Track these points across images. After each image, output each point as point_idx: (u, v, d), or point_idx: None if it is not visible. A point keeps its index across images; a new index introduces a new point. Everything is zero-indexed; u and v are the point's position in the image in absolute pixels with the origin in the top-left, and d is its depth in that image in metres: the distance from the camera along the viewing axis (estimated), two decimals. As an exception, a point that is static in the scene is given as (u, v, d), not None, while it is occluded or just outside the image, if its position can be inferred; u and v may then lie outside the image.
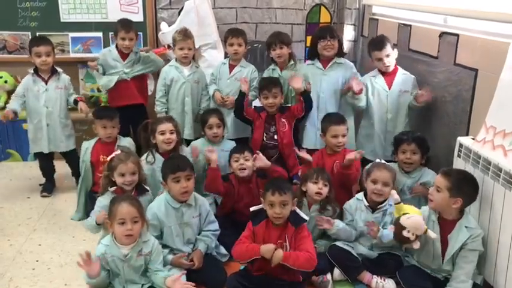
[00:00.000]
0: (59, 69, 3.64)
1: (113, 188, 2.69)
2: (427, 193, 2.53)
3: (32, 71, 3.56)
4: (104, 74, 3.78)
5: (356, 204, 2.75)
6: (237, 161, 2.96)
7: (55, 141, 3.59)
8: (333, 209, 2.75)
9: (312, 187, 2.72)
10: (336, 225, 2.64)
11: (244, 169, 2.94)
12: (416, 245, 2.40)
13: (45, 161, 3.72)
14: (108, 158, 2.74)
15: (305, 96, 3.35)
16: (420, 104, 3.17)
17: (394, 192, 2.57)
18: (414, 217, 2.39)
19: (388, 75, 3.34)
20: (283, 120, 3.39)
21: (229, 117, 3.59)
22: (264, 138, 3.40)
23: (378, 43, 3.32)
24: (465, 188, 2.36)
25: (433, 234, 2.37)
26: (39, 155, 3.70)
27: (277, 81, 3.43)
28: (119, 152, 2.75)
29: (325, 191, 2.72)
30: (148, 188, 2.79)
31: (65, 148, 3.63)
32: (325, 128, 3.10)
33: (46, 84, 3.56)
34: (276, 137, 3.38)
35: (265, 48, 3.77)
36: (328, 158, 3.10)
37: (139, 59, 3.80)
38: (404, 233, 2.39)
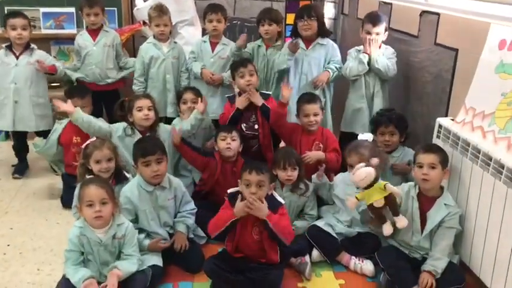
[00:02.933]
0: (33, 45, 3.52)
1: (90, 177, 2.62)
2: (409, 170, 2.62)
3: (5, 46, 3.44)
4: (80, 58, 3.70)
5: (344, 176, 2.76)
6: (223, 140, 2.93)
7: (23, 119, 3.47)
8: (305, 186, 2.76)
9: (281, 174, 2.71)
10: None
11: (230, 148, 2.92)
12: (402, 223, 2.38)
13: (18, 140, 3.62)
14: (83, 146, 2.66)
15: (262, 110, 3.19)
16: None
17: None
18: (356, 172, 2.39)
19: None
20: None
21: (215, 98, 3.55)
22: (244, 129, 3.21)
23: (374, 17, 3.24)
24: (446, 156, 2.40)
25: (395, 190, 2.37)
26: (13, 134, 3.60)
27: (251, 59, 3.37)
28: (94, 138, 2.68)
29: (294, 175, 2.71)
30: (128, 176, 2.71)
31: (35, 128, 3.50)
32: (298, 108, 3.08)
33: (17, 59, 3.44)
34: (256, 126, 3.22)
35: (244, 25, 3.68)
36: (306, 136, 3.07)
37: (113, 44, 3.70)
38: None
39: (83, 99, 3.17)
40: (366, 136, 2.73)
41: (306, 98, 3.09)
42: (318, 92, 3.34)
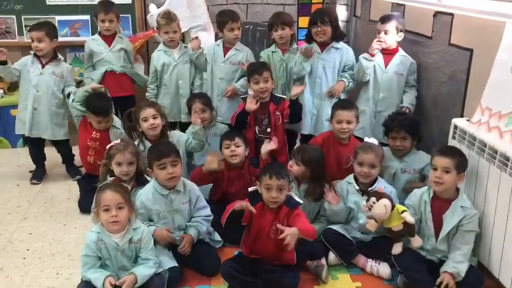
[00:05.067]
0: (60, 56, 3.58)
1: (111, 178, 2.65)
2: (420, 185, 2.64)
3: (33, 54, 3.51)
4: (93, 64, 3.74)
5: (347, 187, 2.74)
6: (227, 148, 2.91)
7: (39, 126, 3.52)
8: (320, 188, 2.71)
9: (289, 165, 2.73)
10: (340, 205, 2.66)
11: (236, 155, 2.89)
12: (417, 243, 2.42)
13: (36, 147, 3.66)
14: (107, 147, 2.71)
15: (293, 105, 3.17)
16: None
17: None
18: (374, 207, 2.38)
19: (386, 55, 3.28)
20: (278, 113, 3.19)
21: (223, 101, 3.55)
22: (257, 132, 3.20)
23: (384, 16, 3.27)
24: (464, 161, 2.38)
25: (411, 219, 2.36)
26: (30, 140, 3.65)
27: (267, 65, 3.31)
28: (118, 141, 2.71)
29: (295, 169, 2.68)
30: (149, 179, 2.70)
31: (51, 136, 3.56)
32: (332, 113, 3.03)
33: (43, 68, 3.49)
34: (269, 130, 3.19)
35: (256, 30, 3.69)
36: (338, 146, 3.02)
37: (127, 50, 3.76)
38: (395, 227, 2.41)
39: (107, 115, 3.22)
40: (372, 141, 2.75)
41: (341, 104, 3.05)
42: (332, 101, 3.32)
